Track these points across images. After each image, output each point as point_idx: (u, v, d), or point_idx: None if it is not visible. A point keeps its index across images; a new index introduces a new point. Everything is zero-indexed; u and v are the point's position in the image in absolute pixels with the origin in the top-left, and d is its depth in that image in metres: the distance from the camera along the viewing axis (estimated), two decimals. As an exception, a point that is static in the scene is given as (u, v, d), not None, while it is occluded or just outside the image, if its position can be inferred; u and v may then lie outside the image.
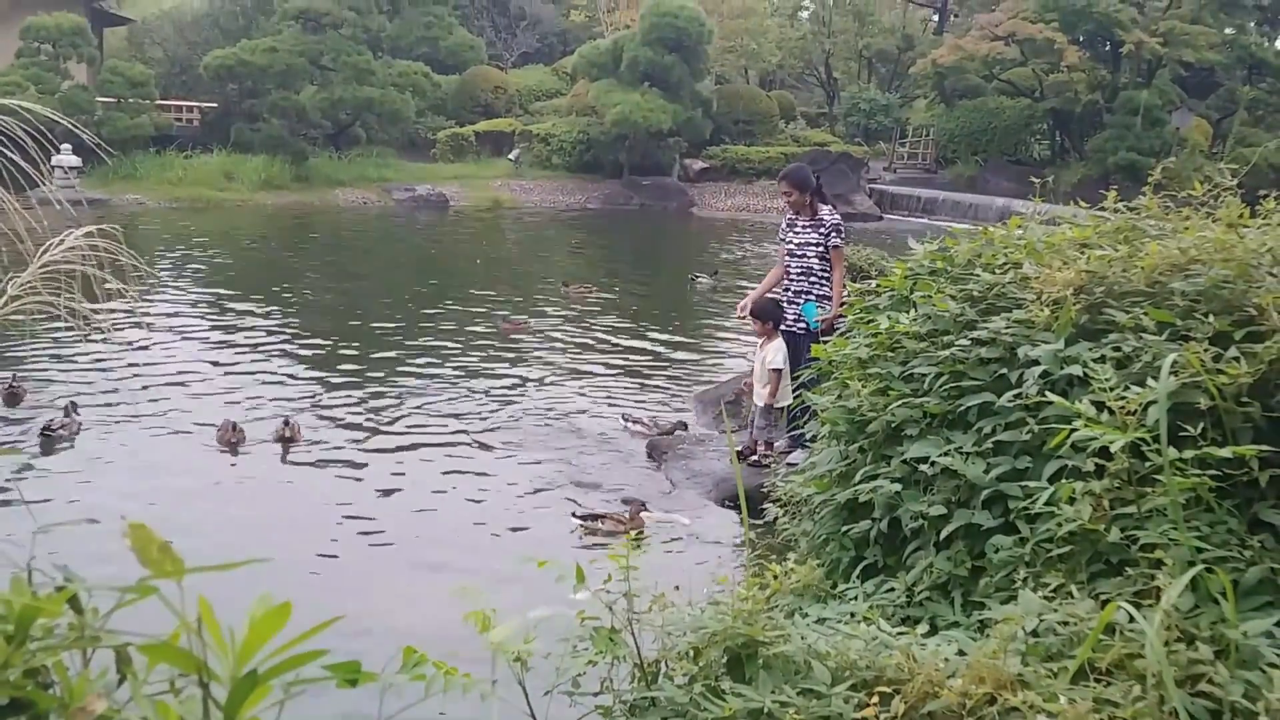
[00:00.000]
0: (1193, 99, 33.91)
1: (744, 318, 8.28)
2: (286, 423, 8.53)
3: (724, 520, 7.42)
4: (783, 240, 8.18)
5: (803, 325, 7.92)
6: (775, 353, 7.89)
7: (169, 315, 13.25)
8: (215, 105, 31.18)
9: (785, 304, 8.13)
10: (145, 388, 9.79)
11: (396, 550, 6.79)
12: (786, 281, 8.14)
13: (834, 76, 44.46)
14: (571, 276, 15.92)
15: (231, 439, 8.35)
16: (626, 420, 9.39)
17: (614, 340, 13.37)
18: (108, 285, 3.54)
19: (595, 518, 7.00)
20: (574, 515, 7.05)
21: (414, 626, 5.50)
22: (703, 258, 22.45)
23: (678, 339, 13.74)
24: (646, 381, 11.32)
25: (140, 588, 0.89)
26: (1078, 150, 33.99)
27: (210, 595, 0.95)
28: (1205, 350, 2.73)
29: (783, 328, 8.15)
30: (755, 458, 7.95)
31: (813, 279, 7.95)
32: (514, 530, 7.12)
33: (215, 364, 11.05)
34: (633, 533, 6.74)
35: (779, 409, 7.95)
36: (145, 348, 11.32)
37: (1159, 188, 3.87)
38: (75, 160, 22.90)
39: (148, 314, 12.46)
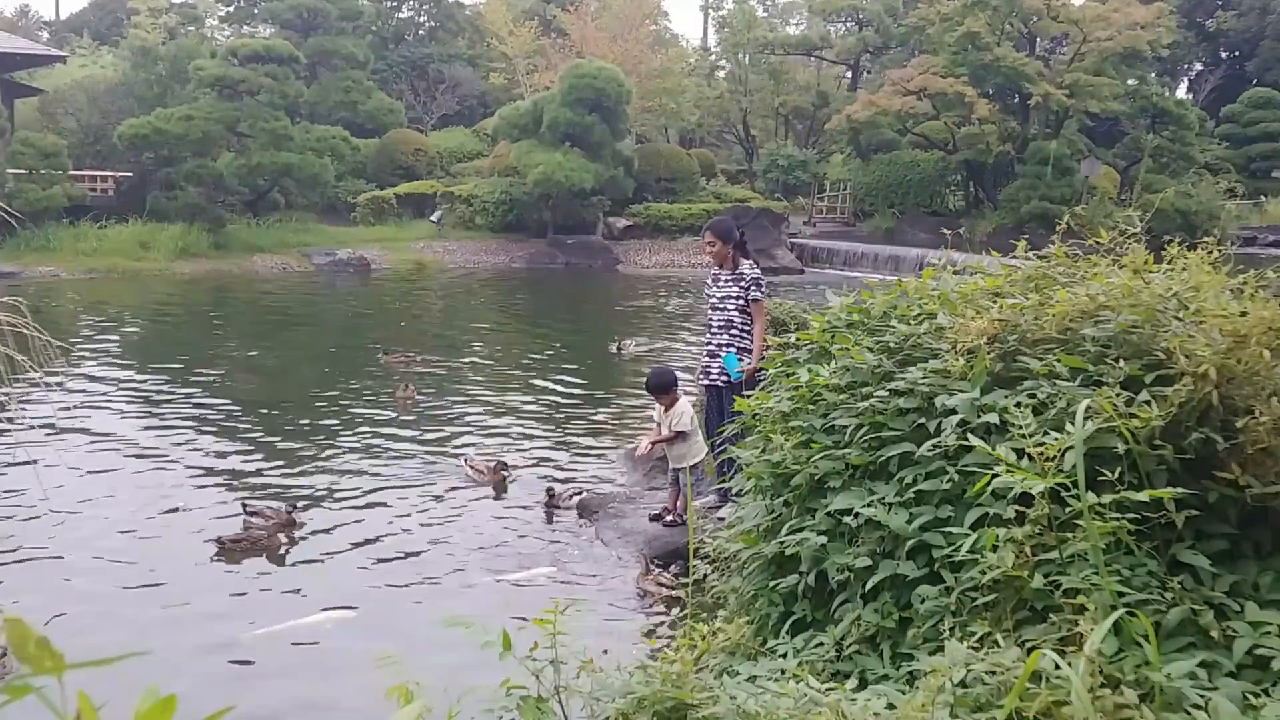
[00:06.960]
0: (1100, 148, 34.91)
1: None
2: (291, 508, 8.27)
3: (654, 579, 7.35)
4: (708, 295, 8.22)
5: (725, 378, 7.93)
6: (679, 416, 7.84)
7: (84, 390, 12.94)
8: (130, 174, 30.75)
9: (707, 357, 8.15)
10: (63, 464, 9.52)
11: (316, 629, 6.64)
12: (708, 335, 8.17)
13: (752, 134, 45.18)
14: (391, 346, 16.24)
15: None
16: (467, 463, 9.83)
17: (539, 399, 13.30)
18: (23, 361, 3.44)
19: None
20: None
21: (336, 702, 5.38)
22: (628, 317, 22.52)
23: (602, 396, 13.71)
24: (574, 439, 11.26)
25: (15, 688, 0.83)
26: (991, 200, 34.76)
27: (105, 692, 0.91)
28: (1118, 395, 2.76)
29: (704, 381, 8.17)
30: (670, 518, 7.91)
31: (733, 332, 7.98)
32: (438, 599, 7.00)
33: (139, 446, 10.78)
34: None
35: (692, 466, 7.89)
36: (56, 427, 11.03)
37: (1071, 235, 3.92)
38: (-16, 234, 22.43)
39: (62, 386, 12.15)
